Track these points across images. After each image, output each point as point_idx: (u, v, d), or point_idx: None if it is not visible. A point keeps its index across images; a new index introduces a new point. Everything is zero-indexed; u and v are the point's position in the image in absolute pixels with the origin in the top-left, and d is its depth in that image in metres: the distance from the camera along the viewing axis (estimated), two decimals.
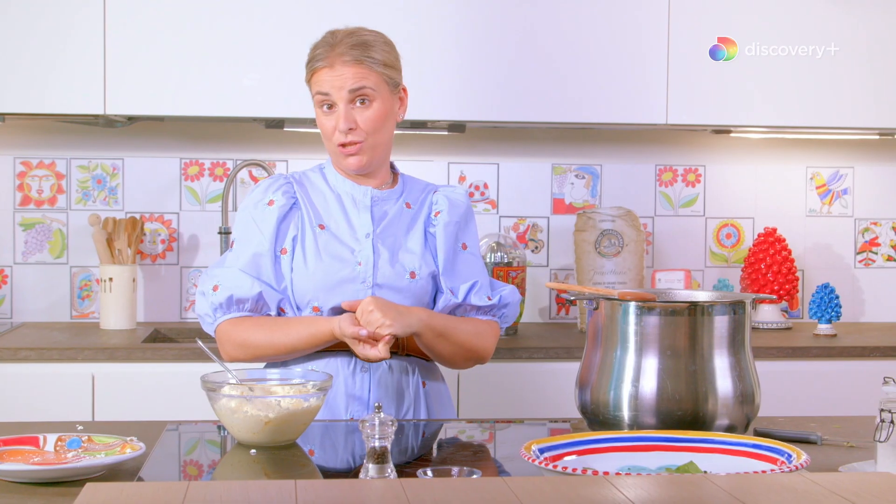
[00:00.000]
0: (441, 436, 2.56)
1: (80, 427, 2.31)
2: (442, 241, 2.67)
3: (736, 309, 2.29)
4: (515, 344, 3.69)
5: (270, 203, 2.63)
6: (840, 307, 3.97)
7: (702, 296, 2.49)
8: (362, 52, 2.58)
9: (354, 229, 2.63)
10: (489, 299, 2.69)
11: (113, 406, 3.44)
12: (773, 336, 3.96)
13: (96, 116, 3.74)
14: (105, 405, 3.45)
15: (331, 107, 2.59)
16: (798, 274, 4.29)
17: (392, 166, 2.76)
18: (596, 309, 2.33)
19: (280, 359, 2.57)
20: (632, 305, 2.27)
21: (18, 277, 4.06)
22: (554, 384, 3.54)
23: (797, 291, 4.18)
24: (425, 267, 2.64)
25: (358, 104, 2.58)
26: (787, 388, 3.66)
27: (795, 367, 3.71)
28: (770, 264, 4.13)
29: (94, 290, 4.06)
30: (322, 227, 2.62)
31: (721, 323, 2.28)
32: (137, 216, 4.03)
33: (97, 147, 4.07)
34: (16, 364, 3.45)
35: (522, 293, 3.93)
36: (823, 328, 3.96)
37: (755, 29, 3.86)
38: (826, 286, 3.99)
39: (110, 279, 3.86)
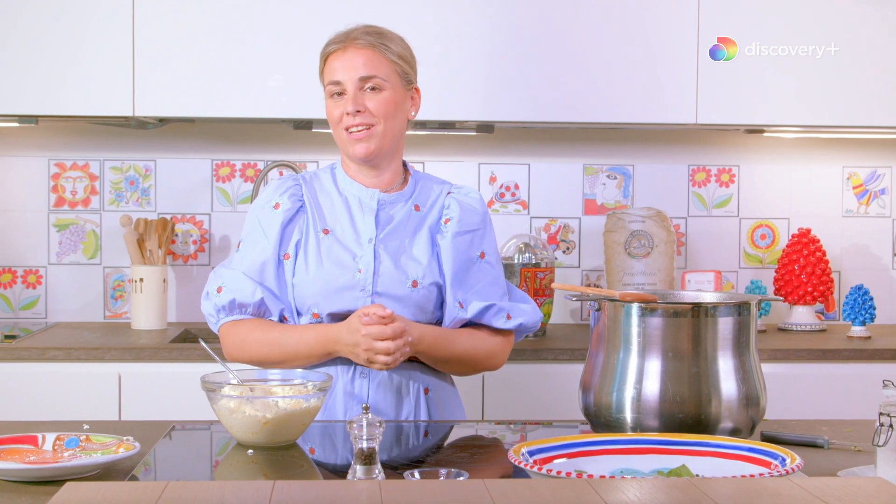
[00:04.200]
0: (453, 437, 2.55)
1: (87, 427, 2.33)
2: (450, 252, 2.62)
3: (741, 310, 2.26)
4: (541, 345, 3.68)
5: (276, 206, 2.62)
6: (874, 309, 3.90)
7: (706, 297, 2.45)
8: (377, 38, 2.60)
9: (358, 233, 2.61)
10: (509, 318, 2.64)
11: (139, 406, 3.46)
12: (807, 338, 3.91)
13: (126, 118, 3.77)
14: (131, 405, 3.48)
15: (340, 94, 2.59)
16: (834, 276, 4.23)
17: (405, 166, 2.74)
18: (599, 310, 2.32)
19: (277, 365, 2.55)
20: (634, 307, 2.25)
21: (52, 278, 4.10)
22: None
23: (831, 293, 4.12)
24: (429, 276, 2.60)
25: (368, 90, 2.58)
26: (817, 391, 3.62)
27: (827, 370, 3.66)
28: (804, 265, 4.07)
29: (127, 290, 4.10)
30: (326, 231, 2.61)
31: (725, 324, 2.24)
32: (169, 217, 4.06)
33: (130, 148, 4.11)
34: (43, 363, 3.49)
35: (551, 294, 3.91)
36: (857, 330, 3.90)
37: (781, 27, 3.81)
38: (860, 287, 3.93)
39: (141, 280, 3.89)
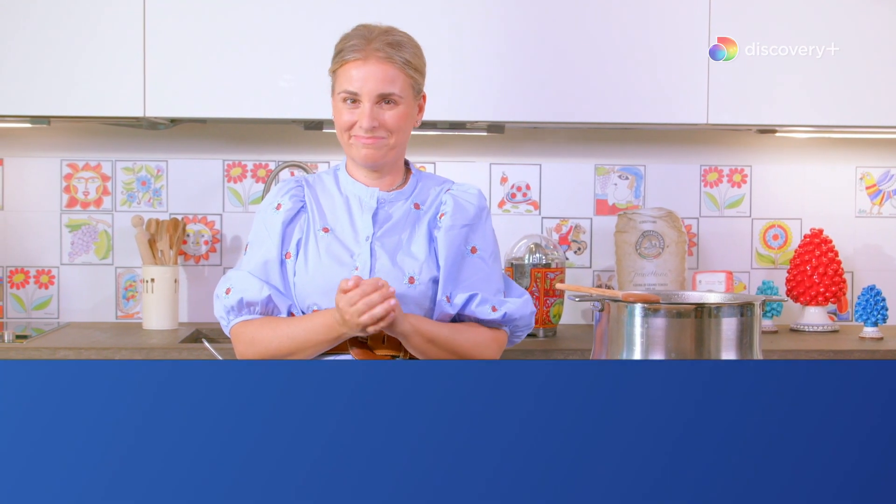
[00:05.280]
0: None
1: None
2: (444, 246, 2.63)
3: (744, 311, 2.26)
4: (552, 346, 3.67)
5: (278, 207, 2.66)
6: (886, 310, 3.88)
7: (709, 297, 2.45)
8: (396, 51, 2.61)
9: (357, 232, 2.64)
10: (494, 310, 2.63)
11: None
12: (819, 339, 3.90)
13: (138, 119, 3.78)
14: None
15: (354, 102, 2.60)
16: (847, 276, 4.21)
17: (407, 164, 2.75)
18: (602, 311, 2.31)
19: (289, 357, 2.56)
20: (637, 307, 2.25)
21: (65, 278, 4.12)
22: None
23: (844, 294, 4.10)
24: (427, 272, 2.60)
25: (383, 104, 2.59)
26: None
27: None
28: (816, 266, 4.05)
29: (139, 290, 4.11)
30: (326, 230, 2.63)
31: (728, 325, 2.24)
32: (181, 217, 4.07)
33: (141, 149, 4.12)
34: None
35: (562, 295, 3.90)
36: (869, 331, 3.88)
37: (781, 27, 3.80)
38: (872, 288, 3.91)
39: (152, 280, 3.90)
